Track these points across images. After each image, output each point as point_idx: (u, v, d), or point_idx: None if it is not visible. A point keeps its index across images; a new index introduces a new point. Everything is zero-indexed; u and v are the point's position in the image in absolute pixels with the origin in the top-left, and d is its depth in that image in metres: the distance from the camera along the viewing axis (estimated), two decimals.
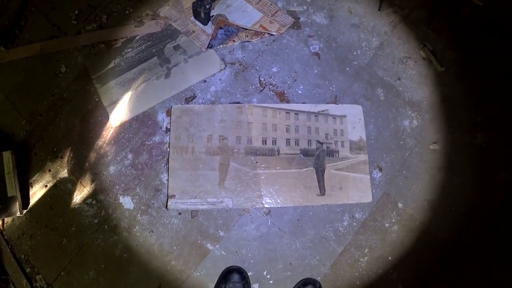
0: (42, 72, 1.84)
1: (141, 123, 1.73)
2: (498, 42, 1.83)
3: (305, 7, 1.84)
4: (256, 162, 1.61)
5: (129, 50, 1.79)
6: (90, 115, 1.76)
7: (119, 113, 1.74)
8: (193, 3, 1.79)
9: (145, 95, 1.72)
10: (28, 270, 1.66)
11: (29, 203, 1.72)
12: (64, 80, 1.82)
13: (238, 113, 1.66)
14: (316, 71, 1.76)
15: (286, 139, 1.65)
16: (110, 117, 1.73)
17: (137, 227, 1.63)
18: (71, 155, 1.73)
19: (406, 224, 1.62)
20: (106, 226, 1.65)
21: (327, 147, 1.65)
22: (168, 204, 1.60)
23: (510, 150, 1.70)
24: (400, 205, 1.63)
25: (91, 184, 1.69)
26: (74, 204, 1.69)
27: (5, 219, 1.72)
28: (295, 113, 1.67)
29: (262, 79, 1.74)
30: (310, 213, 1.61)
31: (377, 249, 1.59)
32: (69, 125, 1.76)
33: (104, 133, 1.73)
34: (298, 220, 1.61)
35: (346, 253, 1.59)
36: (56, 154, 1.74)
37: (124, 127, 1.73)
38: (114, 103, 1.74)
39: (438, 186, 1.66)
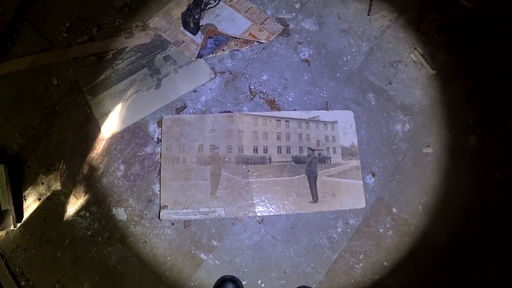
0: (34, 85, 1.85)
1: (133, 134, 1.73)
2: (488, 43, 1.83)
3: (294, 14, 1.85)
4: (248, 170, 1.61)
5: (120, 61, 1.80)
6: (82, 127, 1.76)
7: (111, 124, 1.74)
8: (182, 13, 1.79)
9: (136, 106, 1.72)
10: (23, 283, 1.66)
11: (23, 216, 1.72)
12: (55, 93, 1.83)
13: (228, 122, 1.66)
14: (306, 78, 1.76)
15: (278, 146, 1.64)
16: (102, 128, 1.74)
17: (130, 238, 1.63)
18: (64, 167, 1.73)
19: (401, 229, 1.61)
20: (99, 238, 1.64)
21: (319, 154, 1.65)
22: (160, 214, 1.60)
23: (503, 151, 1.69)
24: (394, 210, 1.62)
25: (84, 196, 1.69)
26: (67, 216, 1.69)
27: (0, 232, 1.72)
28: (286, 121, 1.67)
29: (252, 87, 1.74)
30: (303, 221, 1.60)
31: (372, 255, 1.58)
32: (61, 137, 1.77)
33: (96, 145, 1.74)
34: (292, 228, 1.60)
35: (341, 260, 1.58)
36: (49, 167, 1.74)
37: (116, 139, 1.73)
38: (105, 114, 1.74)
39: (432, 190, 1.65)
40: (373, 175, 1.66)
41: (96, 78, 1.79)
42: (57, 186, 1.72)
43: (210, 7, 1.80)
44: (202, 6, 1.78)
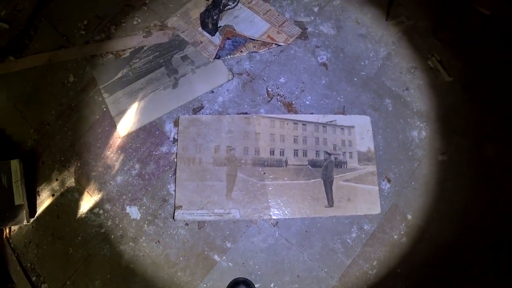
0: (50, 82, 1.86)
1: (149, 133, 1.73)
2: (506, 51, 1.82)
3: (312, 18, 1.84)
4: (264, 173, 1.61)
5: (137, 60, 1.80)
6: (98, 125, 1.76)
7: (127, 123, 1.74)
8: (200, 14, 1.80)
9: (152, 105, 1.73)
10: (34, 278, 1.66)
11: (36, 211, 1.72)
12: (72, 90, 1.83)
13: (245, 124, 1.66)
14: (323, 82, 1.76)
15: (294, 150, 1.64)
16: (118, 126, 1.74)
17: (143, 238, 1.62)
18: (79, 164, 1.73)
19: (415, 236, 1.60)
20: (112, 236, 1.64)
21: (335, 158, 1.64)
22: (175, 214, 1.60)
23: None
24: (409, 216, 1.61)
25: (98, 194, 1.69)
26: (80, 213, 1.69)
27: (12, 227, 1.72)
28: (302, 124, 1.67)
29: (269, 89, 1.74)
30: (318, 225, 1.60)
31: (385, 262, 1.57)
32: (76, 134, 1.77)
33: (111, 142, 1.74)
34: (306, 231, 1.59)
35: (355, 265, 1.57)
36: (63, 163, 1.74)
37: (132, 137, 1.73)
38: (121, 113, 1.74)
39: (447, 198, 1.64)
40: (389, 181, 1.65)
41: (113, 76, 1.79)
42: (71, 182, 1.72)
43: (229, 9, 1.80)
44: (221, 7, 1.78)
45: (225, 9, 1.80)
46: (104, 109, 1.78)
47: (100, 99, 1.79)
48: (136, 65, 1.79)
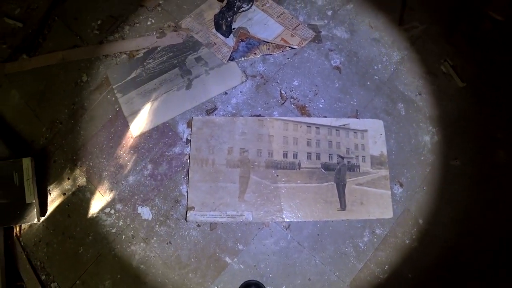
0: (64, 81, 1.86)
1: (162, 133, 1.73)
2: None
3: (326, 21, 1.85)
4: (277, 175, 1.61)
5: (151, 60, 1.80)
6: (110, 125, 1.77)
7: (140, 123, 1.74)
8: (214, 15, 1.80)
9: (165, 106, 1.73)
10: (43, 277, 1.65)
11: (46, 210, 1.72)
12: (85, 89, 1.84)
13: (259, 126, 1.66)
14: (337, 85, 1.76)
15: (307, 153, 1.64)
16: (130, 127, 1.74)
17: (154, 238, 1.62)
18: (91, 163, 1.73)
19: (426, 241, 1.59)
20: (123, 236, 1.64)
21: (348, 162, 1.64)
22: (187, 215, 1.59)
23: None
24: (420, 221, 1.61)
25: (109, 194, 1.69)
26: (92, 213, 1.69)
27: (22, 225, 1.72)
28: (316, 127, 1.67)
29: (283, 92, 1.74)
30: (330, 228, 1.59)
31: (397, 266, 1.57)
32: (89, 133, 1.77)
33: (124, 142, 1.74)
34: (318, 235, 1.59)
35: (366, 269, 1.56)
36: (75, 162, 1.75)
37: (144, 137, 1.74)
38: (134, 113, 1.74)
39: (459, 203, 1.63)
40: (401, 185, 1.65)
41: (126, 76, 1.80)
42: (82, 182, 1.72)
43: (243, 11, 1.80)
44: (235, 9, 1.79)
45: (239, 11, 1.80)
46: (117, 109, 1.78)
47: (113, 99, 1.80)
48: (150, 66, 1.80)
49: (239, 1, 1.80)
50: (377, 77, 1.78)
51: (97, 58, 1.87)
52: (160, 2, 1.92)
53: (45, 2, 1.99)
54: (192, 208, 1.59)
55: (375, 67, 1.80)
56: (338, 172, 1.63)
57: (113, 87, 1.79)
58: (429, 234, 1.60)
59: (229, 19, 1.77)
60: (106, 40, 1.89)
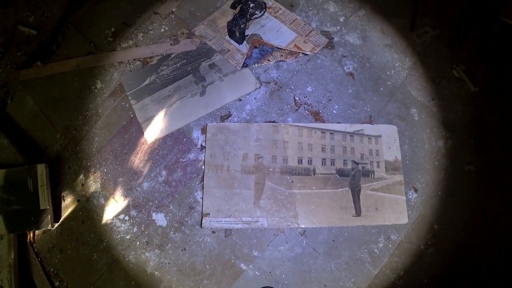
0: (78, 87, 1.88)
1: (176, 140, 1.74)
2: None
3: (338, 28, 1.86)
4: (292, 181, 1.61)
5: (165, 67, 1.82)
6: (125, 131, 1.78)
7: (154, 129, 1.75)
8: (228, 22, 1.82)
9: (180, 113, 1.74)
10: (57, 283, 1.65)
11: (60, 216, 1.73)
12: (99, 96, 1.85)
13: (273, 132, 1.67)
14: (350, 91, 1.77)
15: (322, 158, 1.64)
16: (145, 133, 1.75)
17: (169, 245, 1.62)
18: (105, 170, 1.74)
19: (442, 246, 1.59)
20: (138, 243, 1.64)
21: (363, 167, 1.64)
22: (202, 222, 1.59)
23: None
24: (436, 226, 1.60)
25: (124, 200, 1.69)
26: (106, 219, 1.69)
27: (36, 231, 1.73)
28: (330, 133, 1.67)
29: (297, 98, 1.75)
30: (345, 234, 1.59)
31: (412, 272, 1.56)
32: (103, 140, 1.78)
33: (138, 149, 1.75)
34: (333, 241, 1.58)
35: (381, 275, 1.56)
36: (89, 168, 1.75)
37: (159, 144, 1.74)
38: (149, 119, 1.75)
39: (475, 208, 1.63)
40: (416, 190, 1.64)
41: (141, 83, 1.81)
42: (96, 188, 1.73)
43: (256, 18, 1.82)
44: (248, 16, 1.81)
45: (252, 18, 1.82)
46: (131, 116, 1.79)
47: (127, 105, 1.81)
48: (164, 73, 1.81)
49: (252, 8, 1.82)
50: (390, 83, 1.79)
51: (111, 65, 1.88)
52: (174, 9, 1.94)
53: (59, 9, 2.01)
54: (207, 214, 1.59)
55: (388, 73, 1.80)
56: (353, 178, 1.63)
57: (127, 93, 1.81)
58: (444, 240, 1.59)
59: (242, 26, 1.79)
60: (120, 47, 1.90)
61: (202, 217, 1.60)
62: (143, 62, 1.85)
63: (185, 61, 1.81)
